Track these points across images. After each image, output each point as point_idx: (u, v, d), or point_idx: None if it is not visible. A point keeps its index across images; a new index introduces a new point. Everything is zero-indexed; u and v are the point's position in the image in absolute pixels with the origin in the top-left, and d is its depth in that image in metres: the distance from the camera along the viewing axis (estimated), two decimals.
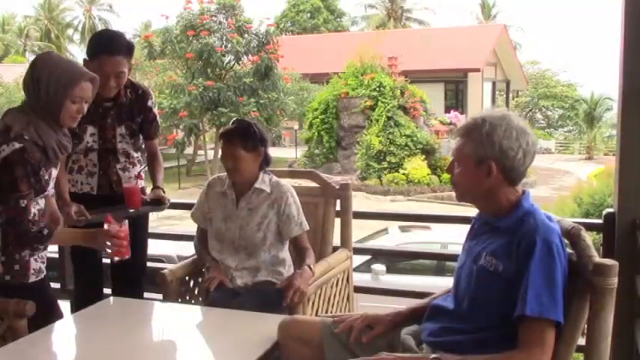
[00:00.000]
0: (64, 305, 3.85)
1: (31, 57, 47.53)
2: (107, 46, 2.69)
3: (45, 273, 2.34)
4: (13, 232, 2.15)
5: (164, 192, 2.99)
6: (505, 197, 1.81)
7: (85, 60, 2.75)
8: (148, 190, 3.06)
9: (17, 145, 2.07)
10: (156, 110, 3.03)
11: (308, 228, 2.76)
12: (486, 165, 1.78)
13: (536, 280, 1.64)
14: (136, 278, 3.09)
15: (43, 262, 2.33)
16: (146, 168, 3.09)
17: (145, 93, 2.95)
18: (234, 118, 2.76)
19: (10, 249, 2.22)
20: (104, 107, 2.83)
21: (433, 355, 1.70)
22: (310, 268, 2.58)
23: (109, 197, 2.91)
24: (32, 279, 2.27)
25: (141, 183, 3.04)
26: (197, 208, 2.85)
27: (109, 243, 2.21)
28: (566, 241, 1.77)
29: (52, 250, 3.44)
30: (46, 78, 2.16)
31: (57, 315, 2.32)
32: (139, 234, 3.12)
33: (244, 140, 2.62)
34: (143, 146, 3.05)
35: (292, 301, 2.44)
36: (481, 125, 1.79)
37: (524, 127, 1.80)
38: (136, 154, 3.01)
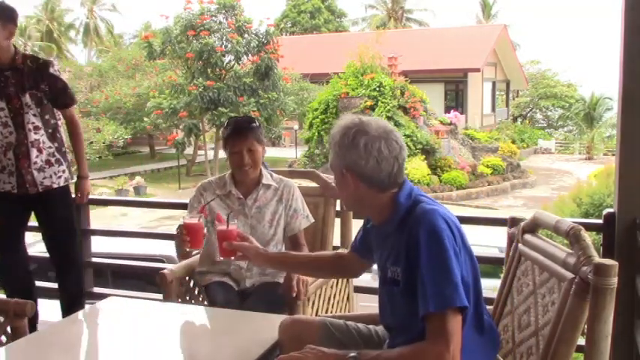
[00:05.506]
0: (56, 304, 3.88)
1: None
2: None
3: None
4: None
5: (87, 177, 3.16)
6: (381, 202, 1.76)
7: None
8: (73, 188, 3.16)
9: None
10: (64, 77, 3.11)
11: (314, 220, 2.76)
12: (345, 176, 1.74)
13: (431, 275, 1.60)
14: (71, 258, 3.27)
15: None
16: (68, 174, 3.12)
17: (47, 61, 3.05)
18: (231, 118, 2.68)
19: None
20: (4, 76, 2.95)
21: (352, 354, 1.68)
22: None
23: (25, 197, 3.01)
24: None
25: (62, 181, 3.10)
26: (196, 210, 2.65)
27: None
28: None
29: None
30: None
31: None
32: (61, 212, 3.16)
33: (256, 132, 2.58)
34: (63, 141, 3.11)
35: (299, 290, 2.43)
36: (332, 136, 1.75)
37: (382, 131, 1.71)
38: (50, 146, 3.03)
